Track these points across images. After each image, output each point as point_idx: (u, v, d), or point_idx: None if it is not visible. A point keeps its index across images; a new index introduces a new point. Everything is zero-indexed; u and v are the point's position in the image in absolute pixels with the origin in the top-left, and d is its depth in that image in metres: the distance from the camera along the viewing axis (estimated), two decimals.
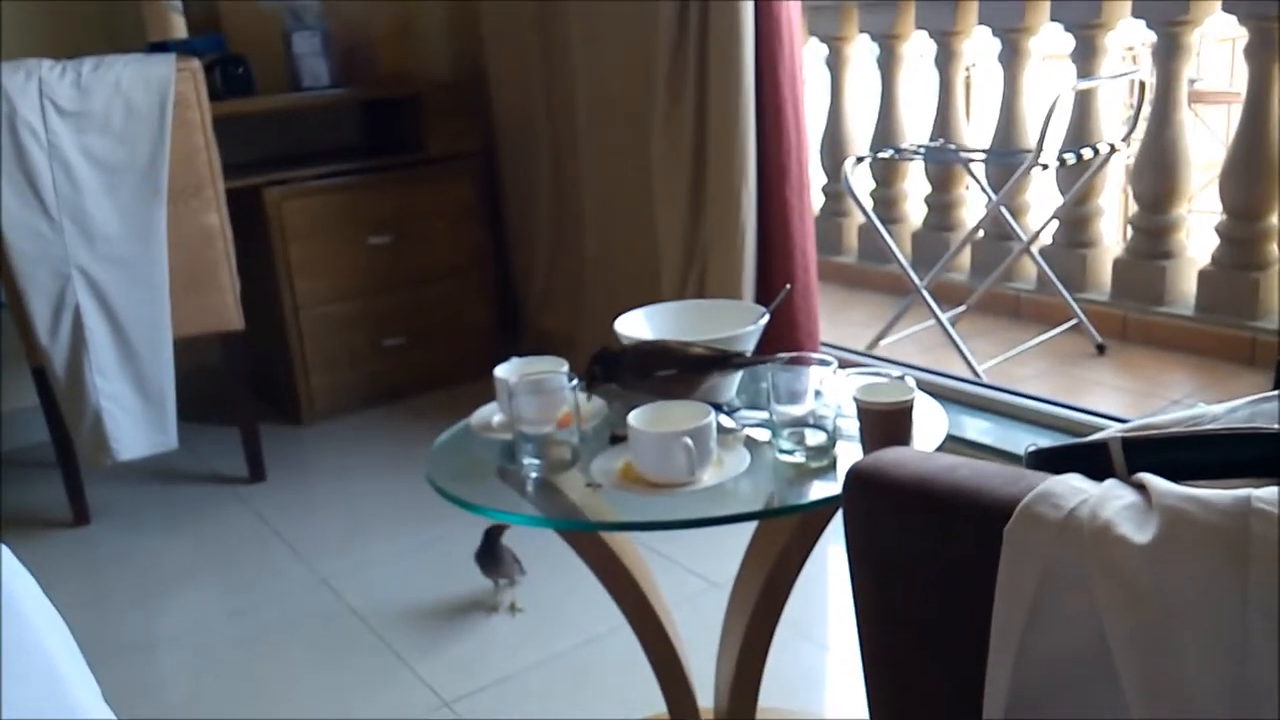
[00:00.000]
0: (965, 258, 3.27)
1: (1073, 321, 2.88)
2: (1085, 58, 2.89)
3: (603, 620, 1.85)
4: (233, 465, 2.60)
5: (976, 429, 2.32)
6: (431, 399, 2.94)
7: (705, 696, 1.41)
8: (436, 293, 3.00)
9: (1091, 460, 0.77)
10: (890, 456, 0.89)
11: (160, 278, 2.24)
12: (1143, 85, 2.79)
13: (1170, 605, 0.66)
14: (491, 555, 1.91)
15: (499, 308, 3.14)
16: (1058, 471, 0.77)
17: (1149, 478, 0.71)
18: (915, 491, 0.84)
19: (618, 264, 2.72)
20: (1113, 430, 0.82)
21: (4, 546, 0.92)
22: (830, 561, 1.98)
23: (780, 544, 1.24)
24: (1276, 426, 0.74)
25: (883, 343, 2.91)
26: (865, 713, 0.91)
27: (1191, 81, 2.88)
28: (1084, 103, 2.93)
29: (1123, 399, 2.58)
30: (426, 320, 2.99)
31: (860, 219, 3.61)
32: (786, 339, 2.24)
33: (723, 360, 1.25)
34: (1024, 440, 2.22)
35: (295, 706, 1.74)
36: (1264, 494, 0.65)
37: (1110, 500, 0.71)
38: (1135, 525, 0.68)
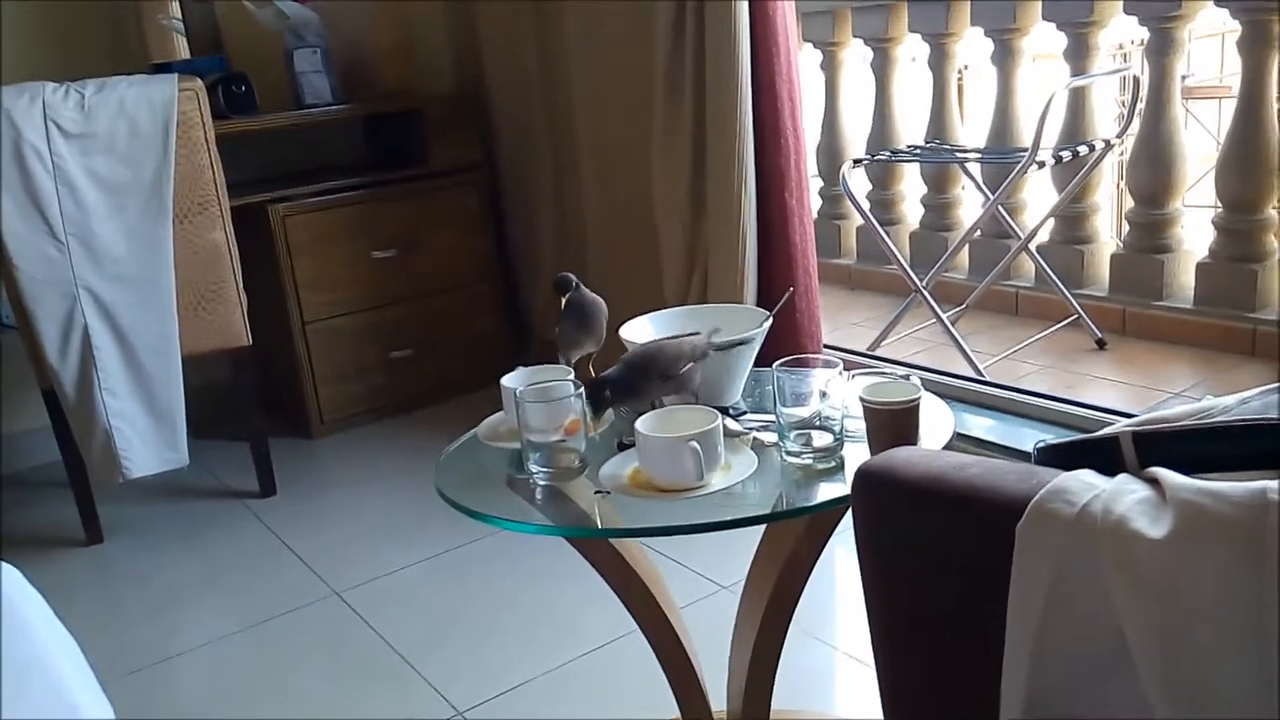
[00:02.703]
0: (963, 257, 3.28)
1: (1072, 317, 2.90)
2: (1078, 56, 2.91)
3: (614, 626, 1.86)
4: (243, 480, 2.62)
5: (980, 426, 2.33)
6: (440, 410, 2.96)
7: (718, 700, 1.42)
8: (443, 305, 3.01)
9: (1102, 455, 0.77)
10: (899, 455, 0.89)
11: (168, 296, 2.25)
12: (1136, 81, 2.80)
13: (1188, 600, 0.65)
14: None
15: (505, 318, 3.16)
16: (1068, 467, 0.76)
17: (1162, 472, 0.70)
18: (925, 490, 0.84)
19: (621, 272, 2.73)
20: (1122, 424, 0.82)
21: (11, 566, 0.93)
22: (838, 563, 1.99)
23: (789, 546, 1.25)
24: None
25: (884, 343, 2.93)
26: (878, 712, 0.92)
27: (1182, 77, 2.90)
28: (1078, 100, 2.95)
29: (1124, 393, 2.59)
30: (433, 332, 3.00)
31: (858, 221, 3.63)
32: (789, 342, 2.25)
33: (695, 345, 1.24)
34: (1028, 436, 2.23)
35: (309, 717, 1.75)
36: None
37: (1123, 495, 0.70)
38: (1150, 520, 0.68)
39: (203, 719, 1.79)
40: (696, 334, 1.28)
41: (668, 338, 1.27)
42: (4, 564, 0.95)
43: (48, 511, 2.58)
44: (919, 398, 1.10)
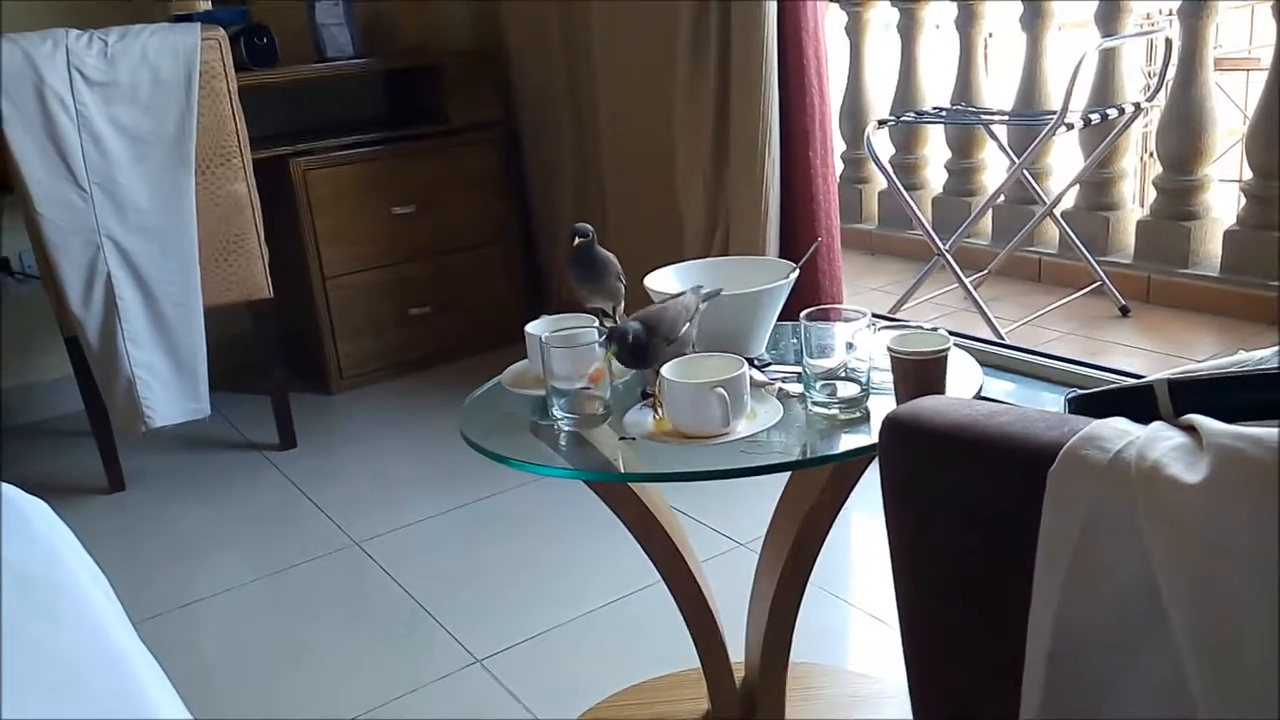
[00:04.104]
0: (987, 223, 3.25)
1: (1096, 284, 2.87)
2: (1109, 19, 2.86)
3: (634, 579, 1.87)
4: (264, 432, 2.63)
5: (1001, 390, 2.32)
6: (458, 367, 2.96)
7: (737, 652, 1.43)
8: (462, 262, 3.01)
9: (1136, 403, 0.76)
10: (928, 403, 0.88)
11: (190, 246, 2.25)
12: (1168, 44, 2.76)
13: (1223, 545, 0.64)
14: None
15: (524, 276, 3.16)
16: (1101, 416, 0.75)
17: (1198, 418, 0.69)
18: (955, 437, 0.83)
19: (641, 230, 2.72)
20: (1157, 374, 0.81)
21: (40, 501, 0.94)
22: (855, 522, 2.00)
23: (811, 499, 1.25)
24: None
25: (905, 307, 2.91)
26: (894, 668, 0.92)
27: (1212, 48, 2.85)
28: (1107, 64, 2.91)
29: (1147, 360, 2.57)
30: (452, 289, 3.00)
31: (881, 185, 3.60)
32: (810, 302, 2.24)
33: (687, 306, 1.24)
34: (1049, 400, 2.22)
35: (328, 664, 1.77)
36: None
37: (1158, 441, 0.69)
38: (1185, 465, 0.67)
39: (222, 664, 1.81)
40: (684, 293, 1.27)
41: (662, 302, 1.26)
42: (34, 498, 0.96)
43: (71, 459, 2.61)
44: (948, 348, 1.09)
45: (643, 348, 1.17)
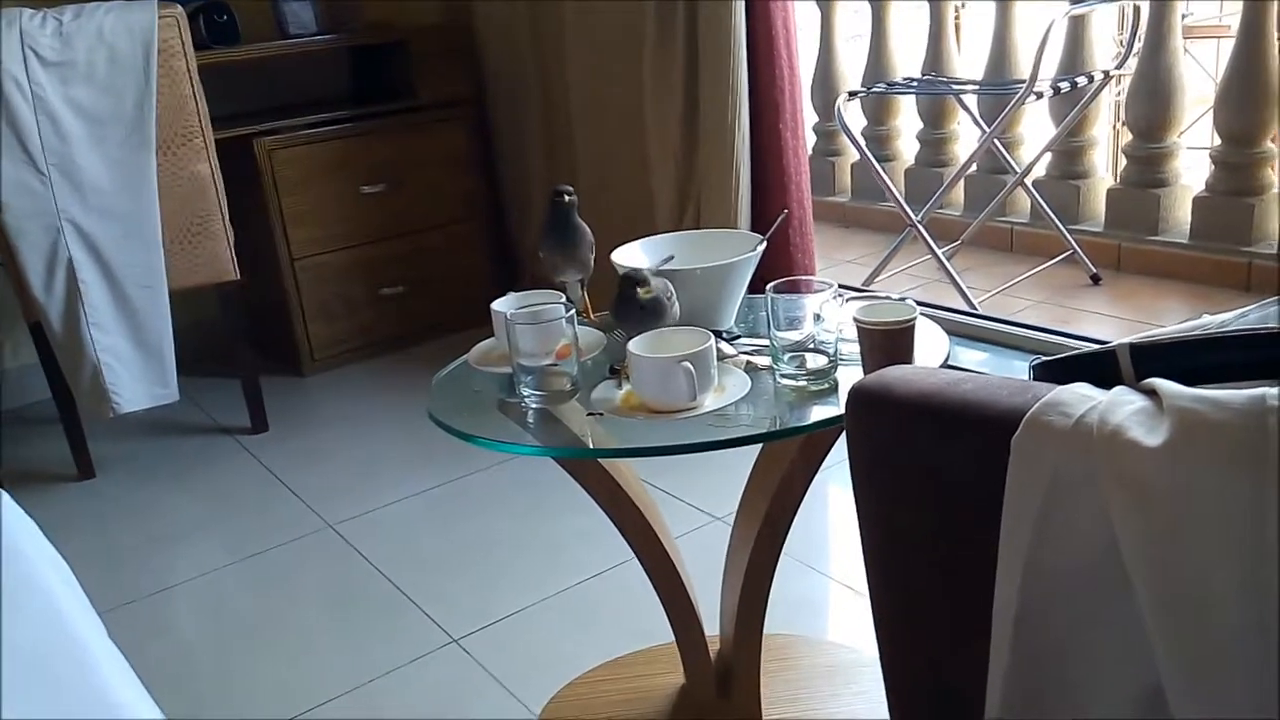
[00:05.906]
0: (959, 193, 3.26)
1: (1067, 253, 2.88)
2: None
3: (609, 557, 1.87)
4: (235, 416, 2.61)
5: (973, 360, 2.33)
6: (431, 347, 2.94)
7: (711, 626, 1.43)
8: (433, 241, 2.98)
9: (1099, 369, 0.76)
10: (894, 373, 0.88)
11: (153, 228, 2.22)
12: (1137, 10, 2.76)
13: (1184, 507, 0.65)
14: None
15: (496, 254, 3.13)
16: (1065, 382, 0.75)
17: (1159, 382, 0.70)
18: (920, 406, 0.83)
19: (613, 205, 2.70)
20: (1120, 339, 0.81)
21: (4, 492, 0.92)
22: (829, 494, 2.00)
23: (783, 469, 1.25)
24: None
25: (879, 279, 2.91)
26: (870, 638, 0.92)
27: (1182, 16, 2.85)
28: (1076, 31, 2.91)
29: (1118, 327, 2.59)
30: (424, 268, 2.98)
31: (854, 158, 3.59)
32: (783, 274, 2.23)
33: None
34: (1022, 369, 2.22)
35: (305, 647, 1.76)
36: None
37: (1120, 405, 0.69)
38: (1146, 429, 0.67)
39: (198, 649, 1.80)
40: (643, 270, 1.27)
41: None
42: None
43: (39, 448, 2.58)
44: (914, 318, 1.09)
45: (664, 305, 1.18)
